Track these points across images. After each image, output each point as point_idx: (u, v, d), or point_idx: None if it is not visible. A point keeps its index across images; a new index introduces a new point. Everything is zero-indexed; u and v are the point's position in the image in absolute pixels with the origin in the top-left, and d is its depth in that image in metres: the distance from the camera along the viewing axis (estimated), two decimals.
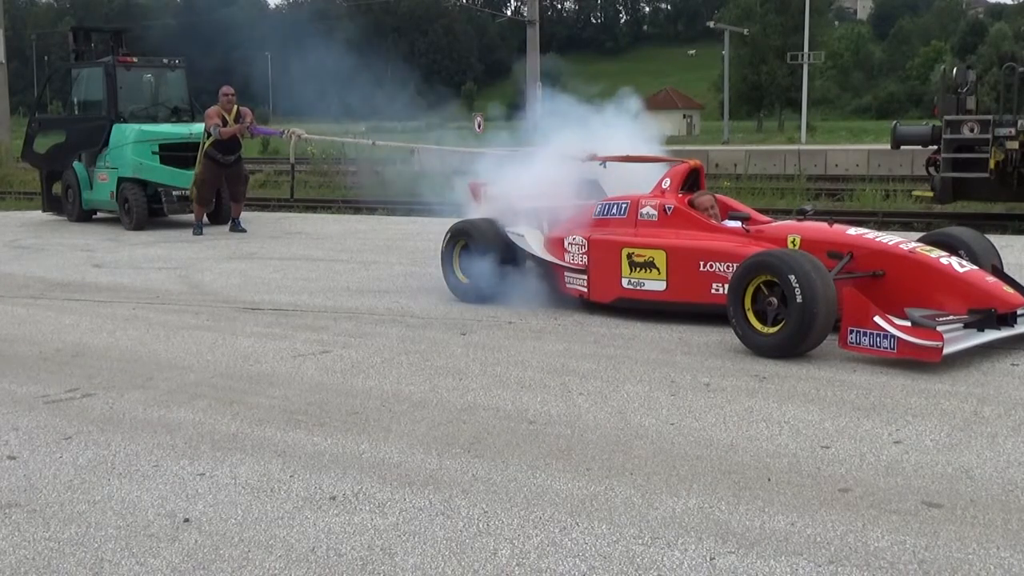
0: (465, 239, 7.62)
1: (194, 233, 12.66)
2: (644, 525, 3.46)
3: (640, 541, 3.34)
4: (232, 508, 3.71)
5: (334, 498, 3.78)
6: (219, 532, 3.50)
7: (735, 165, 25.21)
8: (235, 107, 12.49)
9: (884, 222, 13.77)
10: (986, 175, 13.28)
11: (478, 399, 5.05)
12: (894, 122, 16.26)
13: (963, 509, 3.53)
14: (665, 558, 3.21)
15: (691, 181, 7.25)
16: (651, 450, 4.23)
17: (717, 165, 25.10)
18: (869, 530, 3.37)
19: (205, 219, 13.01)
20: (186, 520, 3.60)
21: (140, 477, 4.06)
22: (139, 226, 13.27)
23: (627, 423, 4.61)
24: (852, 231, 6.42)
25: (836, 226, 6.47)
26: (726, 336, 6.08)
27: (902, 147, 15.43)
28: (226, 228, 13.09)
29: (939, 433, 4.37)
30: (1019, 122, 13.04)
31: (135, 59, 14.33)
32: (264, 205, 17.60)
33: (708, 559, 3.20)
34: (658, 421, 4.63)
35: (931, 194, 14.48)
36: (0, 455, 4.36)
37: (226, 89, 12.41)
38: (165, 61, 14.57)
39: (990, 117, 13.48)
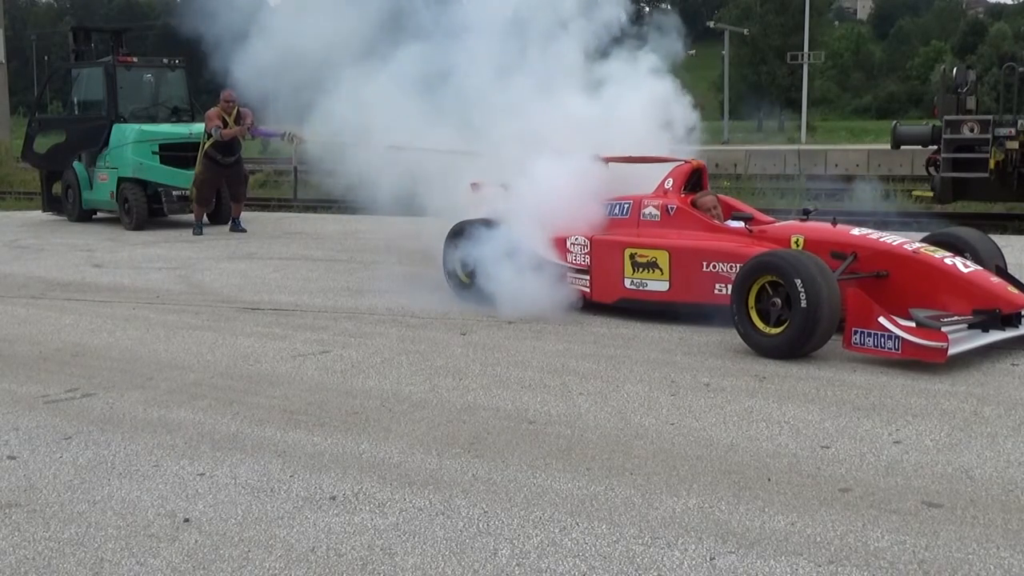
0: (467, 239, 7.58)
1: (194, 233, 12.66)
2: (644, 525, 3.46)
3: (640, 541, 3.34)
4: (232, 508, 3.71)
5: (334, 498, 3.78)
6: (219, 532, 3.50)
7: (735, 165, 25.20)
8: (235, 108, 12.47)
9: (884, 222, 13.76)
10: (986, 175, 13.29)
11: (478, 399, 5.05)
12: (894, 122, 16.28)
13: (963, 509, 3.53)
14: (665, 558, 3.21)
15: (694, 181, 7.24)
16: (651, 450, 4.23)
17: (717, 165, 25.07)
18: (869, 530, 3.37)
19: (205, 219, 13.01)
20: (186, 520, 3.60)
21: (140, 477, 4.06)
22: (139, 226, 13.26)
23: (627, 423, 4.61)
24: (856, 231, 6.38)
25: (839, 226, 6.45)
26: (726, 336, 6.07)
27: (902, 147, 15.44)
28: (226, 228, 13.09)
29: (939, 433, 4.37)
30: (1019, 122, 13.06)
31: (135, 59, 14.32)
32: (264, 205, 17.60)
33: (708, 559, 3.20)
34: (658, 421, 4.63)
35: (931, 194, 14.50)
36: (0, 455, 4.37)
37: (227, 95, 12.34)
38: (165, 61, 14.56)
39: (990, 117, 13.49)
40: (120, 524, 3.59)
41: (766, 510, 3.56)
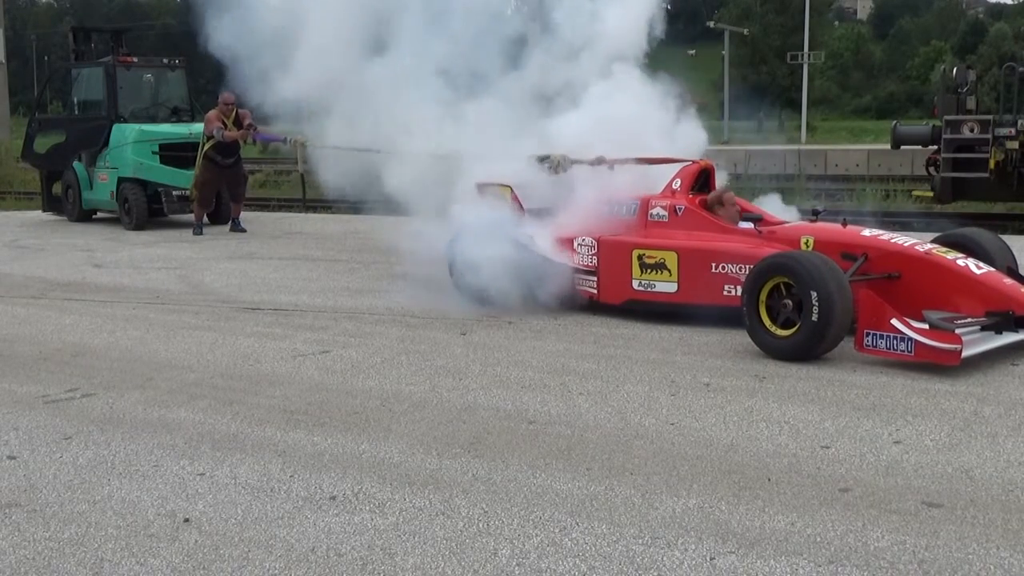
0: (472, 239, 7.51)
1: (194, 233, 12.66)
2: (644, 525, 3.46)
3: (640, 541, 3.34)
4: (232, 508, 3.71)
5: (334, 498, 3.78)
6: (219, 532, 3.50)
7: (735, 165, 25.15)
8: (234, 110, 12.46)
9: (884, 222, 13.76)
10: (986, 175, 13.31)
11: (478, 399, 5.05)
12: (894, 122, 16.30)
13: (963, 509, 3.53)
14: (665, 558, 3.21)
15: (702, 181, 7.20)
16: (651, 450, 4.23)
17: (717, 165, 25.02)
18: (869, 530, 3.37)
19: (205, 219, 13.01)
20: (186, 520, 3.60)
21: (140, 477, 4.06)
22: (139, 226, 13.27)
23: (627, 423, 4.61)
24: (866, 232, 6.29)
25: (850, 227, 6.37)
26: (726, 336, 6.07)
27: (902, 147, 15.47)
28: (226, 228, 13.10)
29: (939, 433, 4.37)
30: (1019, 122, 13.08)
31: (135, 59, 14.33)
32: (264, 205, 17.60)
33: (708, 559, 3.20)
34: (658, 421, 4.63)
35: (931, 194, 14.51)
36: (0, 455, 4.37)
37: (226, 97, 12.33)
38: (165, 61, 14.56)
39: (990, 117, 13.52)
40: (120, 524, 3.59)
41: (766, 510, 3.56)
